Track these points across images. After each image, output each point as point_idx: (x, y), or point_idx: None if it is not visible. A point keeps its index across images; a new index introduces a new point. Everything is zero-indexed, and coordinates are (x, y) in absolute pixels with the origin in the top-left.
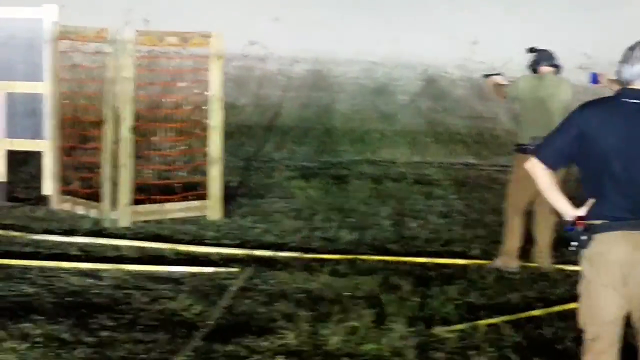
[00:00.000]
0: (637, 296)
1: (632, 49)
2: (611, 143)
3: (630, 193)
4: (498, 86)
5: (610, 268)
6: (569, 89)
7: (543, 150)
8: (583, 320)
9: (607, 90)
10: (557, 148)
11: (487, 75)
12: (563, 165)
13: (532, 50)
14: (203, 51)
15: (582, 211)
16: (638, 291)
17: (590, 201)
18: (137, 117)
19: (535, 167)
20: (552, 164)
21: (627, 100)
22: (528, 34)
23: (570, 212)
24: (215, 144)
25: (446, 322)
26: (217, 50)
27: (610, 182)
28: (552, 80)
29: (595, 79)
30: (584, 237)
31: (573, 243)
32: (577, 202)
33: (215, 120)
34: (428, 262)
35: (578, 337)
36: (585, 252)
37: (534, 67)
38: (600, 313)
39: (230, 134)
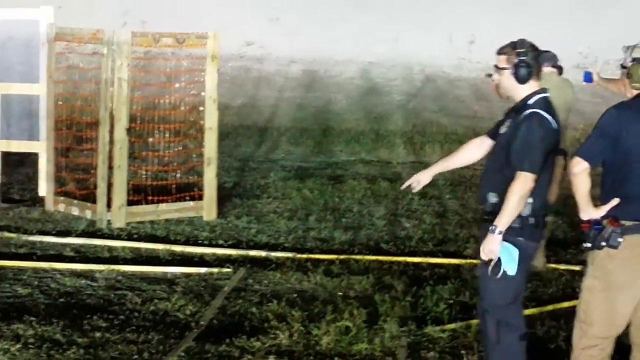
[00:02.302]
0: None
1: None
2: None
3: None
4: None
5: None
6: (571, 89)
7: (586, 151)
8: (591, 318)
9: (602, 88)
10: (598, 149)
11: (490, 75)
12: (598, 165)
13: None
14: (200, 52)
15: (603, 211)
16: None
17: (613, 202)
18: (133, 118)
19: (580, 166)
20: (593, 164)
21: None
22: (524, 33)
23: (593, 212)
24: (210, 145)
25: (438, 321)
26: (213, 50)
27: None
28: (555, 81)
29: (588, 77)
30: (617, 238)
31: (601, 243)
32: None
33: (210, 121)
34: (422, 262)
35: (570, 336)
36: (613, 252)
37: None
38: (616, 315)
39: (227, 134)
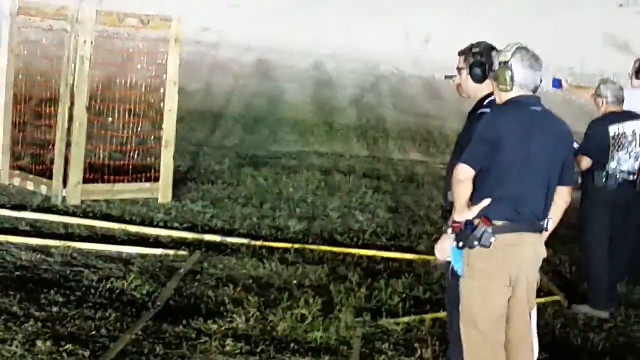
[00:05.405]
0: (521, 297)
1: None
2: (519, 149)
3: (531, 197)
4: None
5: (510, 268)
6: None
7: (470, 157)
8: (475, 316)
9: (567, 94)
10: (480, 155)
11: (449, 77)
12: (480, 168)
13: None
14: (159, 34)
15: (476, 211)
16: (524, 292)
17: (485, 201)
18: (92, 97)
19: (465, 173)
20: (477, 170)
21: (532, 107)
22: (480, 33)
23: (468, 214)
24: (168, 128)
25: (393, 314)
26: (176, 34)
27: (512, 185)
28: None
29: (556, 84)
30: (489, 237)
31: (474, 242)
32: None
33: (170, 104)
34: (375, 255)
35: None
36: (485, 251)
37: None
38: (494, 310)
39: (181, 118)
